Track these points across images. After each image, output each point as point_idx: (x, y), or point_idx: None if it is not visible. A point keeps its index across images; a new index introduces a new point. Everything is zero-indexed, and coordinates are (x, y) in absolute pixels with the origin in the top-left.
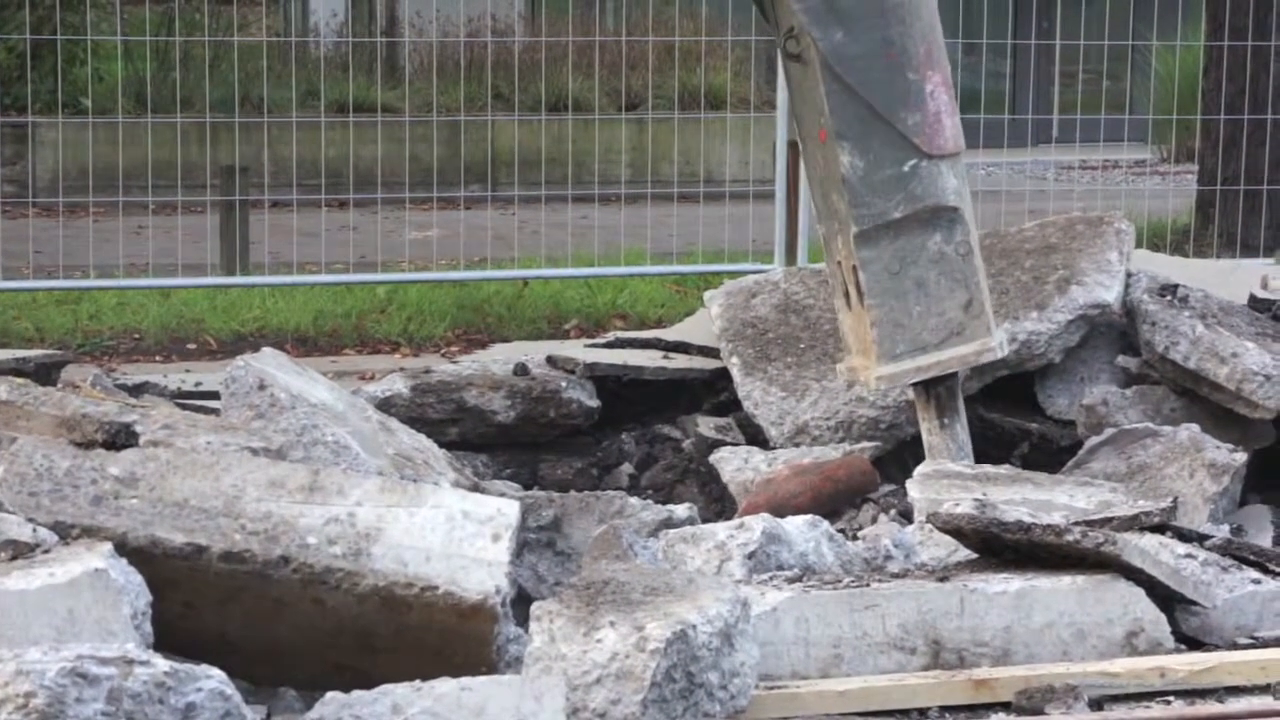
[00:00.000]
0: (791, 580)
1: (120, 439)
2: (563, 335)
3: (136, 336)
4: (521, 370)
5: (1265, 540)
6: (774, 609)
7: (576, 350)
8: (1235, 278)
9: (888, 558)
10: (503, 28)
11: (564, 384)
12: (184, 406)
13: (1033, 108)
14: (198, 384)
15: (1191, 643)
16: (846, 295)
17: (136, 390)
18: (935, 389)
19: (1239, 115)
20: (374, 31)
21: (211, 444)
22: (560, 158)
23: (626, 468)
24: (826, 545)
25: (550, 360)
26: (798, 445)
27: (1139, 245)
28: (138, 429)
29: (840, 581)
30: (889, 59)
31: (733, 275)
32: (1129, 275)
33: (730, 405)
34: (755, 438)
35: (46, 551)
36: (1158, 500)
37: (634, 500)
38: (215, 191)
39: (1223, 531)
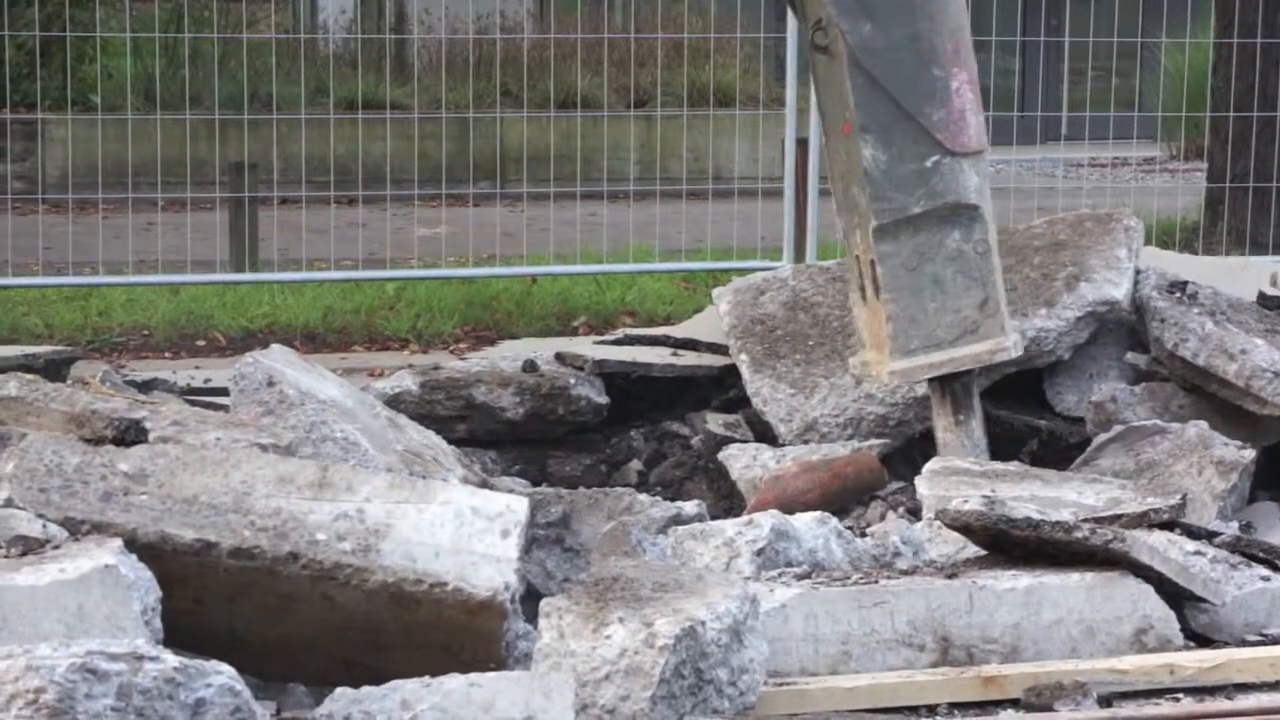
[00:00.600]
0: (800, 577)
1: (130, 435)
2: (571, 332)
3: (146, 333)
4: (530, 367)
5: (1274, 537)
6: (783, 606)
7: (585, 347)
8: (1244, 275)
9: (896, 554)
10: (511, 25)
11: (573, 381)
12: (193, 403)
13: (1042, 105)
14: (207, 380)
15: (1200, 640)
16: (863, 290)
17: (146, 387)
18: (950, 385)
19: (1248, 113)
20: (383, 28)
21: (221, 440)
22: (569, 155)
23: (635, 464)
24: (835, 542)
25: (559, 357)
26: (807, 442)
27: (1148, 242)
28: (147, 425)
29: (849, 578)
30: (916, 54)
31: (741, 272)
32: (1138, 272)
33: (739, 402)
34: (764, 434)
35: (56, 547)
36: (1166, 497)
37: (643, 497)
38: (224, 188)
39: (1232, 528)
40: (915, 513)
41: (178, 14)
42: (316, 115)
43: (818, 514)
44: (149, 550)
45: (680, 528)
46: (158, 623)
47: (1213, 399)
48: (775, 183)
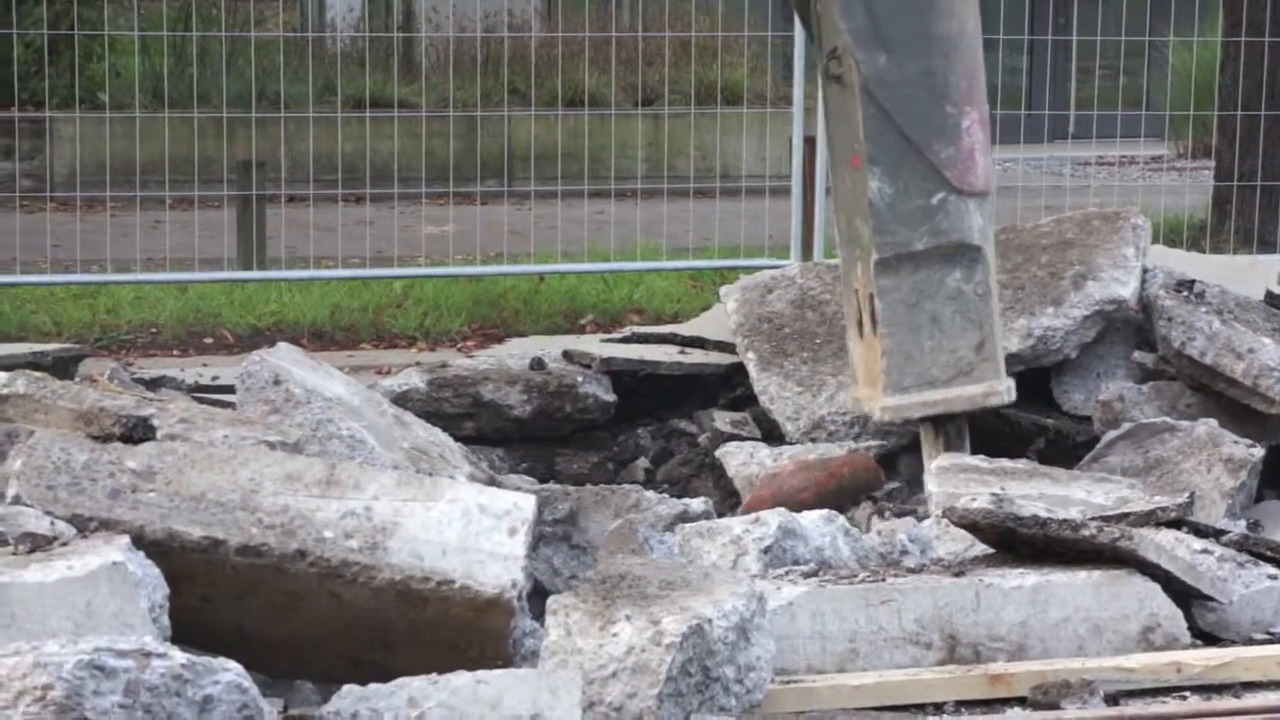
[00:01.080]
0: (807, 575)
1: (137, 433)
2: (579, 330)
3: (154, 331)
4: (538, 365)
5: None
6: (790, 603)
7: (592, 345)
8: (1252, 273)
9: (903, 552)
10: (519, 23)
11: (580, 379)
12: (201, 401)
13: (1049, 103)
14: (214, 378)
15: (1208, 638)
16: (860, 325)
17: (154, 384)
18: (945, 427)
19: (1256, 111)
20: (390, 27)
21: (228, 438)
22: (576, 153)
23: (642, 462)
24: (842, 540)
25: (566, 355)
26: (814, 440)
27: (1155, 241)
28: (155, 423)
29: (856, 576)
30: (930, 89)
31: (749, 270)
32: (1145, 271)
33: (746, 400)
34: (771, 433)
35: (64, 544)
36: (1174, 495)
37: (650, 494)
38: (232, 186)
39: (1239, 527)
40: (901, 517)
41: (185, 12)
42: (324, 114)
43: (825, 512)
44: (157, 547)
45: (687, 525)
46: (165, 620)
47: (1220, 398)
48: (783, 181)
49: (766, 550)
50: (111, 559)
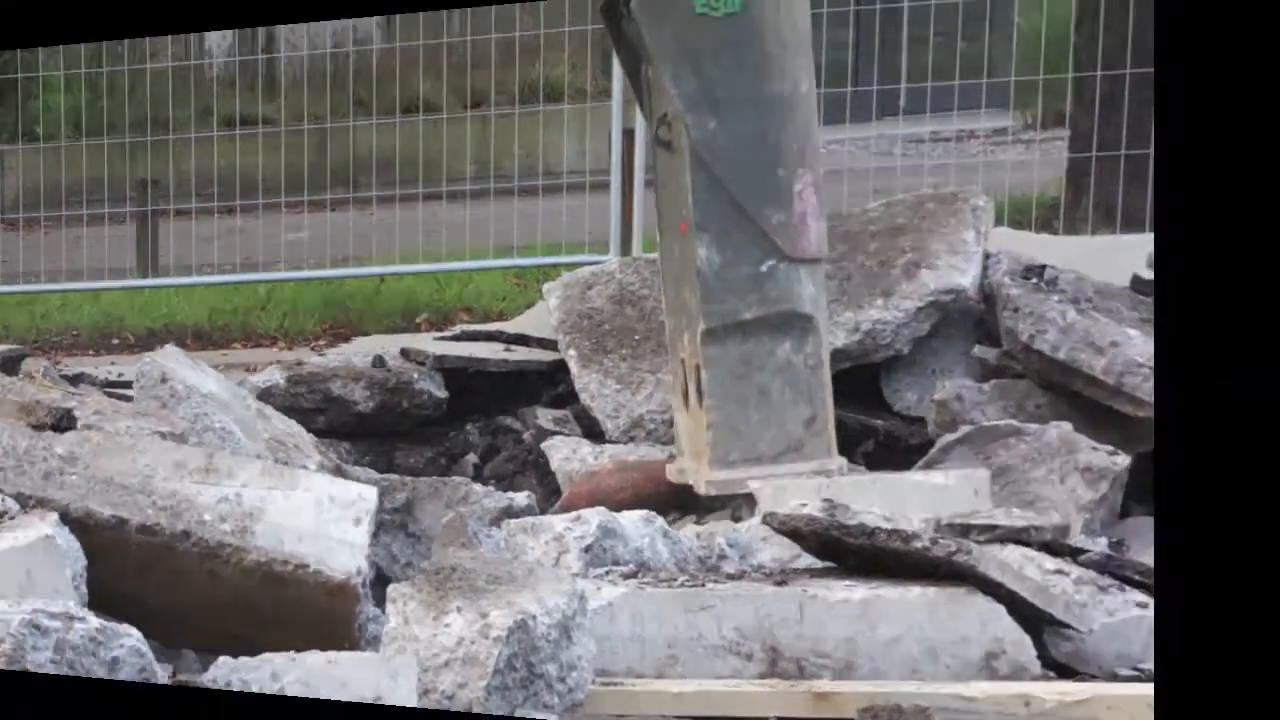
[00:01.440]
0: (627, 576)
1: (64, 423)
2: (415, 329)
3: (75, 333)
4: (379, 363)
5: (1151, 558)
6: (610, 604)
7: (428, 343)
8: (1115, 256)
9: (722, 557)
10: (361, 37)
11: (416, 376)
12: (110, 395)
13: (878, 77)
14: (119, 375)
15: (1064, 670)
16: (685, 395)
17: (75, 380)
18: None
19: (1119, 70)
20: (255, 49)
21: (130, 428)
22: (412, 158)
23: (471, 458)
24: (661, 541)
25: (404, 353)
26: (633, 439)
27: (999, 223)
28: (77, 414)
29: (675, 580)
30: (760, 153)
31: (570, 267)
32: (987, 256)
33: (569, 397)
34: (593, 429)
35: (13, 518)
36: (1046, 516)
37: (478, 487)
38: (133, 204)
39: (1100, 546)
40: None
41: (98, 51)
42: (203, 134)
43: (644, 513)
44: (78, 524)
45: (512, 521)
46: (85, 588)
47: (1076, 398)
48: (603, 176)
49: (587, 549)
50: (44, 533)
